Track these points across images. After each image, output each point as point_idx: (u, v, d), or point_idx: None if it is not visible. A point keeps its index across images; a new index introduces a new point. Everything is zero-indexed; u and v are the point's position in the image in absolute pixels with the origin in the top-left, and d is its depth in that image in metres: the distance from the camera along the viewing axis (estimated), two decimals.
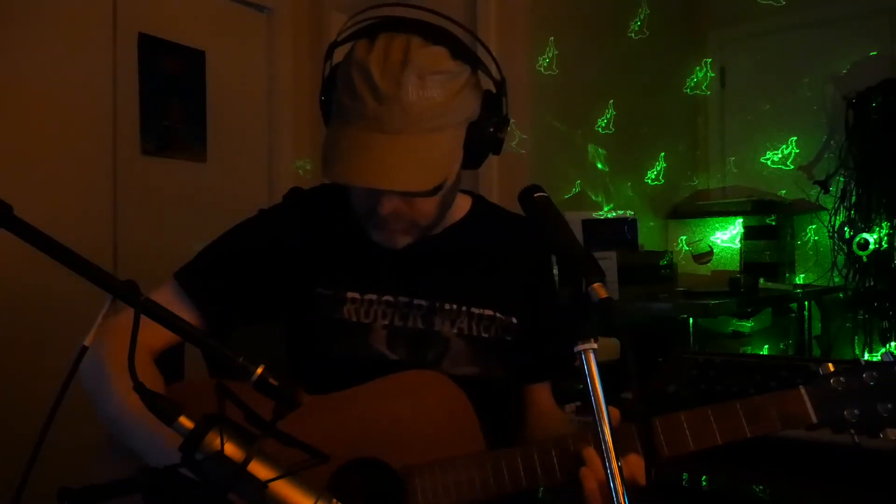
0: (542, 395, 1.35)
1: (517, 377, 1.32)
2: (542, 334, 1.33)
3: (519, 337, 1.28)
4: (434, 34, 1.11)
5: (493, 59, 1.20)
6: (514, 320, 1.27)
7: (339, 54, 1.18)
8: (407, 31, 1.09)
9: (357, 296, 1.20)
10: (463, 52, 1.12)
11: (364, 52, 1.07)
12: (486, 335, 1.24)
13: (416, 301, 1.21)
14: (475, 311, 1.24)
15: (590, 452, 1.03)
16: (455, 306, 1.23)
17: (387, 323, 1.20)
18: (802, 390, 1.07)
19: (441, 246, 1.26)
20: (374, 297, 1.20)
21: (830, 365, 1.08)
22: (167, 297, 1.17)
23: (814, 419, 1.06)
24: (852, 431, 1.05)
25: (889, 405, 1.03)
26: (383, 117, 1.04)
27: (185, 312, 1.16)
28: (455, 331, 1.22)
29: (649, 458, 0.95)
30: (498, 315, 1.25)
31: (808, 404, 1.06)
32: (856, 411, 1.04)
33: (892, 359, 1.06)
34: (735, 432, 1.06)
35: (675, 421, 1.07)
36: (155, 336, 1.10)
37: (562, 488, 1.09)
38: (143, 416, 0.98)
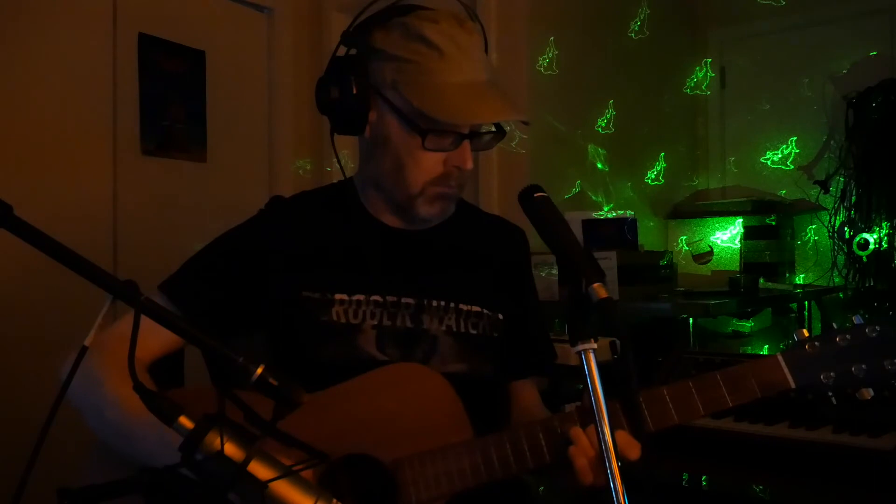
0: (526, 391, 1.36)
1: (503, 373, 1.33)
2: (526, 331, 1.35)
3: (505, 334, 1.30)
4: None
5: (483, 28, 1.26)
6: (501, 317, 1.29)
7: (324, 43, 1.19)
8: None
9: (345, 297, 1.20)
10: None
11: (424, 22, 1.14)
12: (474, 332, 1.25)
13: (403, 300, 1.22)
14: (463, 307, 1.25)
15: (576, 431, 1.04)
16: (443, 303, 1.24)
17: (375, 323, 1.20)
18: (779, 357, 1.09)
19: (427, 244, 1.27)
20: (362, 297, 1.21)
21: (805, 331, 1.11)
22: None
23: (792, 384, 1.08)
24: (829, 394, 1.08)
25: (863, 365, 1.06)
26: (478, 69, 1.16)
27: None
28: (443, 328, 1.23)
29: (638, 432, 0.97)
30: (486, 311, 1.27)
31: (786, 370, 1.08)
32: (832, 374, 1.07)
33: (862, 321, 1.09)
34: (717, 402, 1.08)
35: (657, 395, 1.09)
36: (145, 347, 1.10)
37: (554, 477, 1.11)
38: (149, 420, 0.98)
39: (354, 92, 1.16)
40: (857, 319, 1.10)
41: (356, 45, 1.21)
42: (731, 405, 1.08)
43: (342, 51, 1.21)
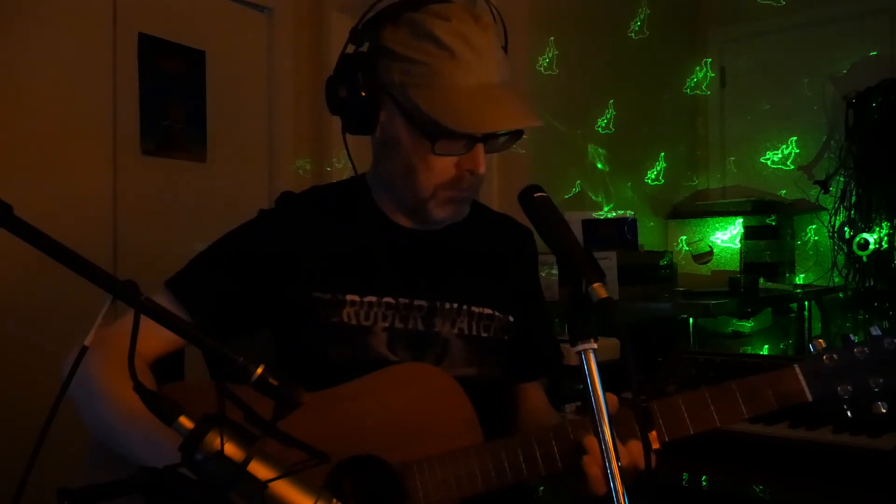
0: (533, 393, 1.35)
1: (510, 376, 1.32)
2: (535, 333, 1.33)
3: (515, 336, 1.28)
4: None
5: (504, 27, 1.23)
6: (512, 319, 1.27)
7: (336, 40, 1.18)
8: (448, 2, 1.15)
9: (357, 298, 1.18)
10: None
11: (435, 20, 1.10)
12: (485, 334, 1.23)
13: (416, 302, 1.20)
14: (475, 310, 1.23)
15: (590, 440, 1.03)
16: (455, 306, 1.22)
17: (387, 325, 1.18)
18: (797, 368, 1.07)
19: (438, 245, 1.25)
20: (373, 299, 1.18)
21: (821, 341, 1.09)
22: None
23: (809, 397, 1.06)
24: (845, 407, 1.06)
25: (881, 379, 1.04)
26: (491, 70, 1.11)
27: None
28: (455, 331, 1.21)
29: (647, 445, 0.96)
30: (497, 314, 1.25)
31: (803, 382, 1.06)
32: (849, 387, 1.05)
33: (879, 333, 1.06)
34: (732, 413, 1.07)
35: (672, 405, 1.07)
36: (148, 344, 1.09)
37: (562, 484, 1.09)
38: (138, 420, 0.98)
39: (363, 92, 1.12)
40: (874, 331, 1.07)
41: (366, 42, 1.17)
42: (746, 416, 1.06)
43: (352, 48, 1.17)
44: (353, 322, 1.17)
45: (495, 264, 1.30)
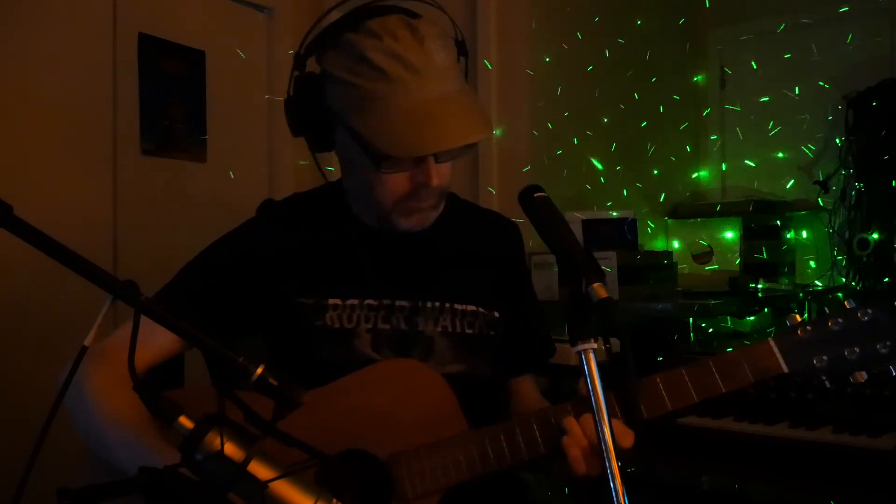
0: (525, 387, 1.37)
1: (501, 371, 1.33)
2: (523, 327, 1.35)
3: (502, 331, 1.30)
4: (406, 12, 1.14)
5: (454, 23, 1.20)
6: (497, 314, 1.29)
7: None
8: (387, 14, 1.12)
9: (339, 302, 1.20)
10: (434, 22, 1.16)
11: (368, 40, 1.08)
12: (470, 331, 1.25)
13: (398, 302, 1.22)
14: (458, 307, 1.25)
15: (570, 422, 1.05)
16: (438, 304, 1.23)
17: (370, 326, 1.20)
18: (772, 342, 1.10)
19: (420, 244, 1.26)
20: (355, 301, 1.20)
21: (797, 315, 1.12)
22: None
23: (784, 369, 1.08)
24: (823, 378, 1.08)
25: (856, 349, 1.06)
26: (429, 86, 1.07)
27: (167, 332, 1.16)
28: (439, 329, 1.23)
29: (632, 421, 1.00)
30: (481, 310, 1.27)
31: (778, 355, 1.09)
32: (824, 357, 1.07)
33: (854, 305, 1.09)
34: (710, 389, 1.09)
35: (650, 383, 1.10)
36: (139, 355, 1.10)
37: (547, 469, 1.12)
38: (128, 434, 0.99)
39: (314, 116, 1.16)
40: (849, 303, 1.10)
41: (317, 62, 1.19)
42: (723, 391, 1.09)
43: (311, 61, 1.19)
44: (337, 325, 1.19)
45: (479, 260, 1.31)
